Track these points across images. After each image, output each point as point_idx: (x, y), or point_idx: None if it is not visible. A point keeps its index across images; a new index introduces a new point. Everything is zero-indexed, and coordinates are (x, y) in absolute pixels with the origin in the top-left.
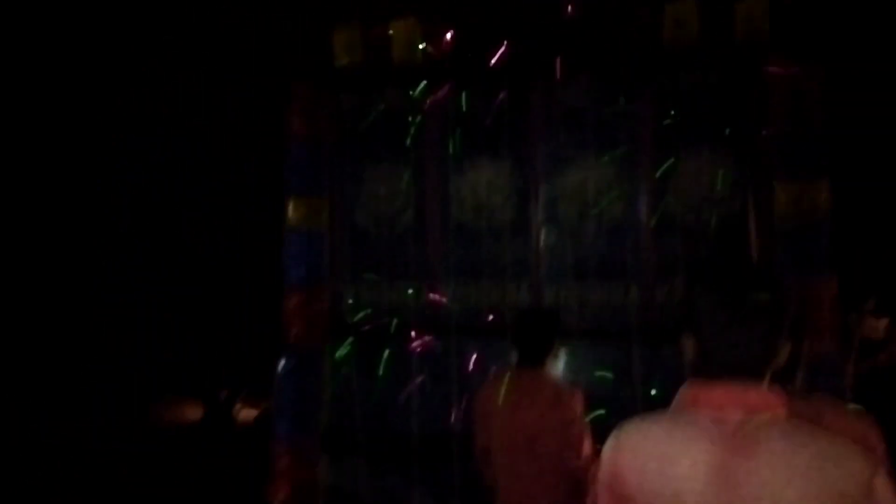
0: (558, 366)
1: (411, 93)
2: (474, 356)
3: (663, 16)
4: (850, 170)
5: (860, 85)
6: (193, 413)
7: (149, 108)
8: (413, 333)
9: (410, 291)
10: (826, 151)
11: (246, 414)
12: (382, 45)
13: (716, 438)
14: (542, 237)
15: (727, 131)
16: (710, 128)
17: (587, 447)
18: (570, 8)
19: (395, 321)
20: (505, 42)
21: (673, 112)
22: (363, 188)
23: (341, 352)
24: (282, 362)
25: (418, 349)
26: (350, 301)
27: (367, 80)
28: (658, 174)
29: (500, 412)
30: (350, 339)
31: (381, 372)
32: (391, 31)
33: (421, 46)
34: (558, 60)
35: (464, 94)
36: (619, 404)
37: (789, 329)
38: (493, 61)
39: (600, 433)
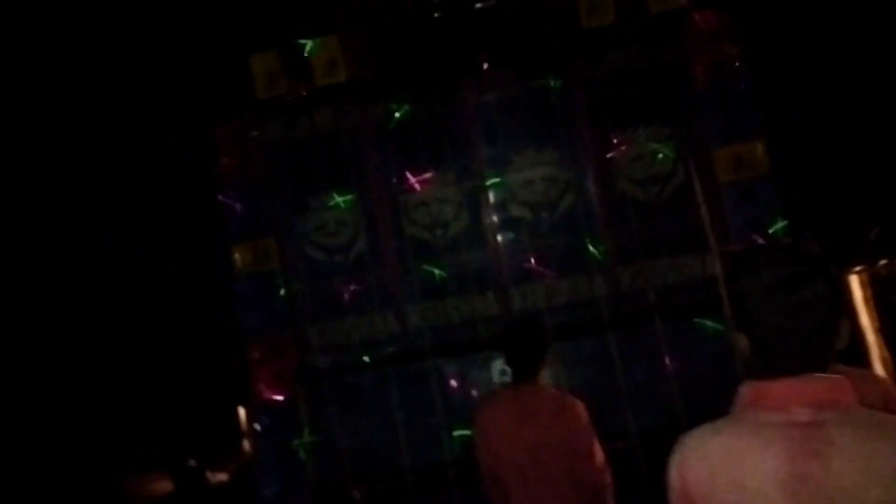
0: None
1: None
2: (454, 378)
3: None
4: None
5: (782, 42)
6: (163, 486)
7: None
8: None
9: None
10: (755, 112)
11: (219, 477)
12: (302, 68)
13: (786, 443)
14: (500, 241)
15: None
16: (642, 107)
17: (599, 454)
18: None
19: (366, 357)
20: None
21: (604, 95)
22: (309, 221)
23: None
24: (256, 421)
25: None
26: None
27: (293, 108)
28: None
29: (503, 433)
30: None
31: (361, 414)
32: (310, 53)
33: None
34: (481, 56)
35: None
36: (605, 396)
37: (844, 307)
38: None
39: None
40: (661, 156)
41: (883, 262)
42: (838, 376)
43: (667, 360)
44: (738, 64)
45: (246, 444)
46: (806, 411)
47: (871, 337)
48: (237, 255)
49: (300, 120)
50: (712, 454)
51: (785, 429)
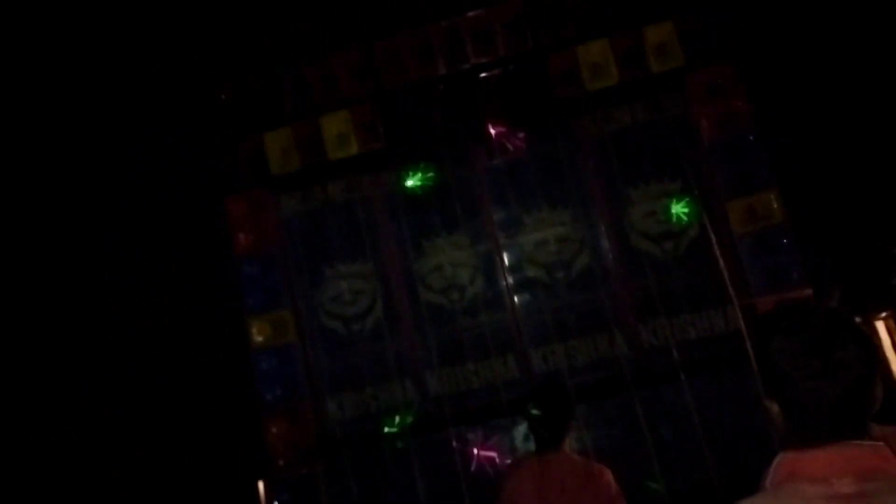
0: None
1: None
2: (478, 446)
3: (578, 61)
4: (808, 178)
5: (799, 93)
6: None
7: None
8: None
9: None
10: (765, 162)
11: None
12: (315, 143)
13: None
14: (517, 303)
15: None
16: (651, 163)
17: None
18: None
19: (386, 427)
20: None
21: (613, 153)
22: (325, 291)
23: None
24: (275, 497)
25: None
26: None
27: (307, 181)
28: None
29: None
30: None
31: (382, 486)
32: (322, 128)
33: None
34: (488, 122)
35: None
36: (633, 459)
37: (880, 368)
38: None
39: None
40: (674, 211)
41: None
42: (879, 443)
43: (695, 418)
44: (743, 115)
45: None
46: (849, 482)
47: None
48: (254, 329)
49: (314, 192)
50: None
51: (828, 501)
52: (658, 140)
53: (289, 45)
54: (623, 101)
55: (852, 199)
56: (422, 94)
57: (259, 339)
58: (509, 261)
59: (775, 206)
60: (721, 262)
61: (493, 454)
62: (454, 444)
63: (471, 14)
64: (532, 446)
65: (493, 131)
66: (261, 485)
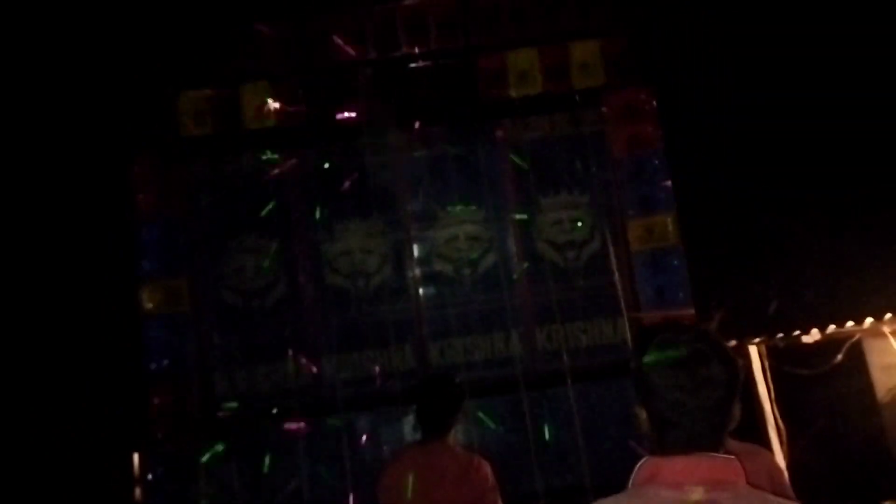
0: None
1: (266, 157)
2: (366, 433)
3: (506, 66)
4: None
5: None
6: None
7: None
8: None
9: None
10: (667, 185)
11: None
12: (232, 110)
13: None
14: (421, 295)
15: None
16: (563, 173)
17: None
18: (418, 62)
19: (274, 408)
20: (357, 98)
21: (527, 162)
22: (227, 264)
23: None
24: (150, 470)
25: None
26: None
27: (219, 148)
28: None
29: (406, 494)
30: (220, 444)
31: (265, 467)
32: (242, 96)
33: (273, 109)
34: (412, 112)
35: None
36: (515, 456)
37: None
38: (347, 118)
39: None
40: (579, 223)
41: (780, 335)
42: (731, 457)
43: (576, 421)
44: (652, 139)
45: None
46: (699, 490)
47: (766, 406)
48: (146, 295)
49: (226, 160)
50: None
51: None
52: (572, 153)
53: (221, 8)
54: (544, 111)
55: (743, 232)
56: (349, 76)
57: (149, 305)
58: (419, 253)
59: (671, 228)
60: (616, 275)
61: (380, 441)
62: (343, 429)
63: (407, 3)
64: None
65: (416, 123)
66: (136, 457)
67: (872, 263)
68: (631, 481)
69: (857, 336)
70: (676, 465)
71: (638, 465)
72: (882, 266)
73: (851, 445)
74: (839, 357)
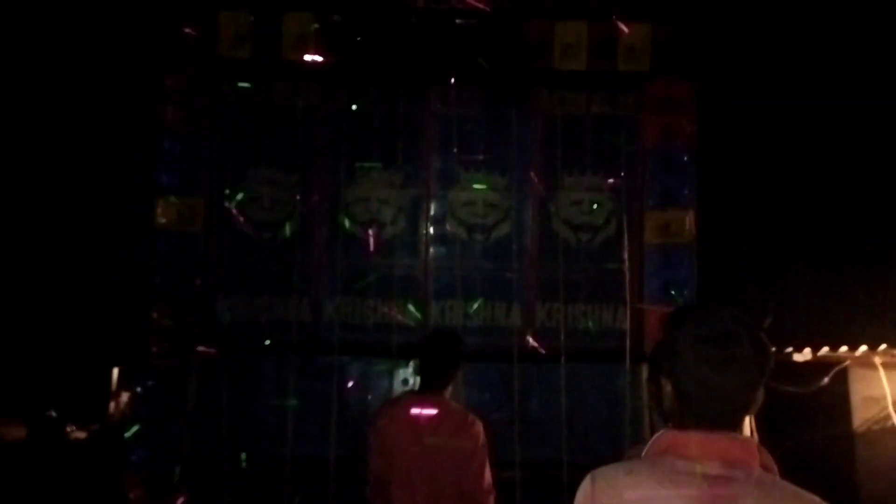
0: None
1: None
2: (355, 378)
3: (553, 37)
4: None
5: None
6: (14, 432)
7: None
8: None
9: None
10: (692, 182)
11: (78, 434)
12: (272, 36)
13: (696, 490)
14: (431, 254)
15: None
16: (592, 154)
17: (488, 477)
18: (465, 20)
19: (268, 340)
20: (400, 45)
21: (560, 136)
22: (244, 191)
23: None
24: (141, 380)
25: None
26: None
27: (254, 73)
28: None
29: (401, 438)
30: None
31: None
32: (284, 24)
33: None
34: (451, 70)
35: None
36: (499, 425)
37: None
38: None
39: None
40: (596, 206)
41: (773, 349)
42: (749, 438)
43: (562, 399)
44: (686, 134)
45: (112, 406)
46: (716, 465)
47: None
48: (160, 209)
49: (258, 87)
50: (625, 493)
51: (694, 478)
52: (604, 135)
53: None
54: (583, 88)
55: (757, 241)
56: (394, 21)
57: (162, 220)
58: (434, 211)
59: (688, 225)
60: (626, 264)
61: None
62: (334, 372)
63: None
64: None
65: (453, 80)
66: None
67: (874, 292)
68: (645, 452)
69: (846, 362)
70: (694, 440)
71: (654, 437)
72: (883, 296)
73: (819, 469)
74: (825, 381)
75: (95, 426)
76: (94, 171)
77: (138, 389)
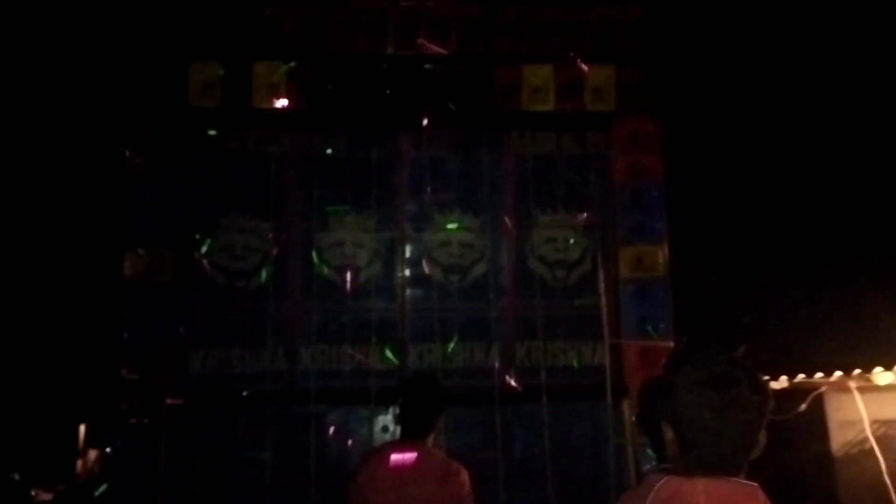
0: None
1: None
2: (334, 427)
3: (522, 79)
4: (697, 242)
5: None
6: None
7: None
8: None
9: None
10: (663, 217)
11: (44, 497)
12: (242, 85)
13: None
14: (407, 296)
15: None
16: (564, 192)
17: None
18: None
19: (245, 391)
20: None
21: (532, 175)
22: (216, 240)
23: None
24: (111, 439)
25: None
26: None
27: (225, 121)
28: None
29: (384, 491)
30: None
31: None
32: (254, 73)
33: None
34: (423, 113)
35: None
36: (483, 467)
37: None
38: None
39: None
40: (573, 243)
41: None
42: (753, 484)
43: (546, 439)
44: (654, 170)
45: (80, 465)
46: None
47: None
48: (129, 261)
49: (229, 135)
50: None
51: None
52: (575, 173)
53: None
54: (553, 129)
55: (729, 272)
56: (364, 67)
57: (131, 273)
58: (410, 253)
59: (661, 260)
60: (603, 299)
61: (348, 438)
62: (312, 422)
63: (430, 3)
64: (389, 439)
65: (424, 123)
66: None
67: (847, 319)
68: (650, 499)
69: (822, 388)
70: (699, 487)
71: (658, 485)
72: (855, 323)
73: (802, 495)
74: (803, 407)
75: (62, 487)
76: (60, 224)
77: (107, 448)
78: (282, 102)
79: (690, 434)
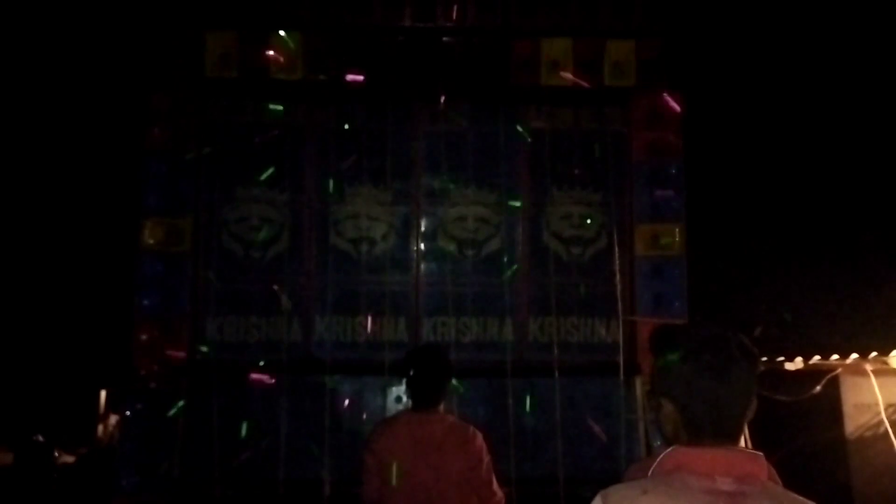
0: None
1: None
2: (348, 397)
3: (540, 53)
4: (715, 221)
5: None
6: (1, 459)
7: None
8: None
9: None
10: (681, 195)
11: (66, 459)
12: (259, 56)
13: None
14: (422, 270)
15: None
16: (581, 169)
17: (499, 490)
18: (453, 37)
19: (261, 360)
20: (388, 64)
21: (549, 151)
22: (233, 210)
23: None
24: (129, 403)
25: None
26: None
27: (241, 93)
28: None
29: (403, 458)
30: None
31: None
32: (271, 43)
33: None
34: (439, 87)
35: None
36: (494, 441)
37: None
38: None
39: None
40: (589, 220)
41: (764, 358)
42: (757, 452)
43: (557, 414)
44: (672, 147)
45: (100, 429)
46: (729, 481)
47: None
48: (147, 230)
49: (246, 106)
50: None
51: (710, 495)
52: (593, 149)
53: None
54: (571, 104)
55: (746, 252)
56: (381, 39)
57: (150, 241)
58: (425, 227)
59: (678, 238)
60: (618, 277)
61: (362, 408)
62: (326, 391)
63: None
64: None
65: (442, 97)
66: (103, 393)
67: (864, 301)
68: (652, 470)
69: (837, 370)
70: (705, 456)
71: (662, 455)
72: (872, 306)
73: (814, 477)
74: (817, 388)
75: (83, 450)
76: (80, 192)
77: (127, 412)
78: (298, 73)
79: (690, 404)
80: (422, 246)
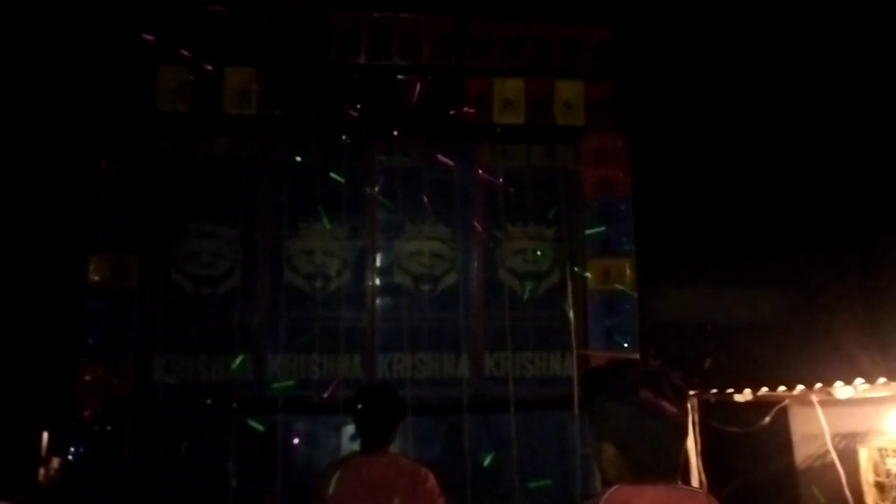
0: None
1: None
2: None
3: (493, 92)
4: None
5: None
6: None
7: None
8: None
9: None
10: (630, 231)
11: None
12: (212, 91)
13: None
14: (377, 305)
15: (549, 213)
16: (534, 204)
17: None
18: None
19: (209, 399)
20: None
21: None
22: (183, 245)
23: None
24: (73, 446)
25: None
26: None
27: (193, 128)
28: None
29: (354, 501)
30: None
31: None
32: (225, 78)
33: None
34: (394, 122)
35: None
36: (450, 477)
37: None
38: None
39: None
40: (540, 254)
41: (714, 391)
42: (698, 489)
43: (514, 449)
44: (622, 184)
45: (42, 473)
46: None
47: (693, 458)
48: (93, 266)
49: (198, 140)
50: None
51: None
52: (545, 186)
53: None
54: (523, 142)
55: (696, 285)
56: (336, 76)
57: (95, 277)
58: (381, 263)
59: (629, 273)
60: (571, 312)
61: (315, 448)
62: (278, 431)
63: (403, 15)
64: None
65: (395, 133)
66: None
67: (809, 334)
68: None
69: (785, 401)
70: (648, 494)
71: (608, 494)
72: (816, 339)
73: None
74: (766, 420)
75: (23, 496)
76: (23, 227)
77: (69, 456)
78: (251, 108)
79: (632, 444)
80: (377, 281)
